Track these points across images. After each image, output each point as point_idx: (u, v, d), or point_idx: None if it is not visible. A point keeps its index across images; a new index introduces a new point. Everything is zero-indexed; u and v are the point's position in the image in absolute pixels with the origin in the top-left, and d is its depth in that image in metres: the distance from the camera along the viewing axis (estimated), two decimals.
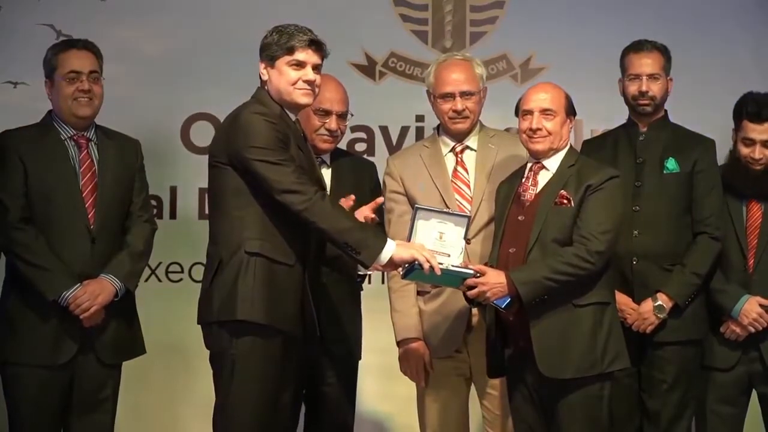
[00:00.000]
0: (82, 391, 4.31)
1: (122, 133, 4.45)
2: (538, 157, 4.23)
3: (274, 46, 3.98)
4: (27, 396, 4.28)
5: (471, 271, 3.95)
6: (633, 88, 4.63)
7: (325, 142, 4.44)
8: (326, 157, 4.49)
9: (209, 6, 5.24)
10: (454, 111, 4.44)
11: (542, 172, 4.24)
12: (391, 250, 3.85)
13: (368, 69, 5.62)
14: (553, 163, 4.21)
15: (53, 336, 4.25)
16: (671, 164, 4.60)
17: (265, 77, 4.00)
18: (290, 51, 3.95)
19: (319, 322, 3.98)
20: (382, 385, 5.30)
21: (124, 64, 4.91)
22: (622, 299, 4.46)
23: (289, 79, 3.96)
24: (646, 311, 4.48)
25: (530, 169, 4.25)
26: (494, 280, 3.97)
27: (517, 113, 4.33)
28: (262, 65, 4.00)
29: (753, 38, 5.57)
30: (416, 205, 4.04)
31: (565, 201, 4.13)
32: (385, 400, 5.42)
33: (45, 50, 4.50)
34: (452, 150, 4.50)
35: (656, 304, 4.49)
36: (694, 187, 4.58)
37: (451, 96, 4.44)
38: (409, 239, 3.94)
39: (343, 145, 5.27)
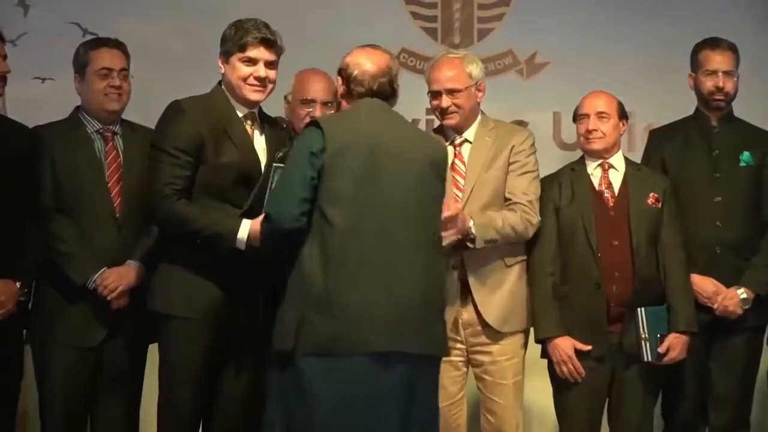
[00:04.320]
0: (110, 374, 4.32)
1: (147, 127, 4.37)
2: (601, 156, 4.48)
3: (228, 43, 4.00)
4: (58, 378, 4.29)
5: None
6: (709, 84, 4.68)
7: None
8: None
9: (228, 5, 5.23)
10: (441, 108, 4.41)
11: (612, 171, 4.50)
12: (246, 227, 3.85)
13: None
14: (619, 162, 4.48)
15: (83, 320, 4.27)
16: (746, 158, 4.67)
17: (222, 72, 4.02)
18: (242, 48, 3.97)
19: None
20: None
21: (150, 62, 4.92)
22: (706, 284, 4.55)
23: (240, 74, 3.98)
24: (733, 301, 4.57)
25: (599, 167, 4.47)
26: None
27: (575, 119, 4.55)
28: (220, 59, 4.02)
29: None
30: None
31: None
32: None
33: (71, 48, 4.53)
34: (452, 143, 4.46)
35: (742, 297, 4.57)
36: (763, 180, 4.66)
37: (438, 94, 4.41)
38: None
39: None
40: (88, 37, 4.86)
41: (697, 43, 4.77)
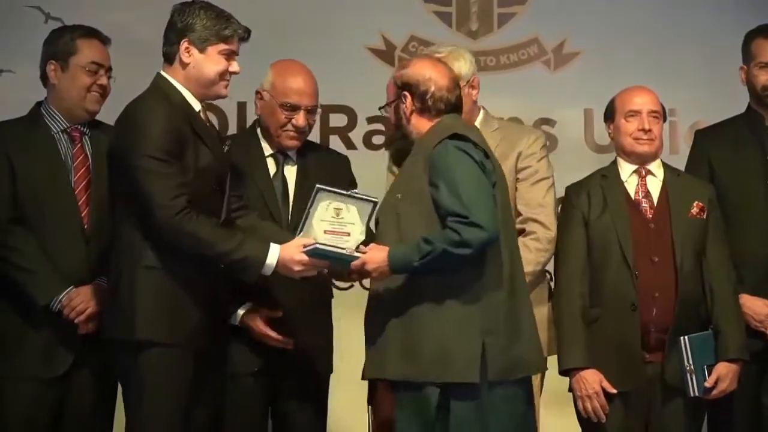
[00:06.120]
0: (75, 411, 4.27)
1: None
2: (644, 161, 4.49)
3: (204, 30, 4.03)
4: (16, 414, 4.23)
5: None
6: (763, 78, 4.70)
7: (291, 139, 4.44)
8: (292, 153, 4.48)
9: None
10: None
11: (650, 178, 4.51)
12: (275, 253, 3.89)
13: (386, 54, 5.71)
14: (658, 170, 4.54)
15: (45, 347, 4.20)
16: None
17: (186, 59, 4.02)
18: (226, 39, 4.04)
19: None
20: (355, 395, 5.12)
21: (116, 50, 4.77)
22: (759, 305, 4.55)
23: (219, 69, 4.04)
24: None
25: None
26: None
27: (610, 117, 4.53)
28: (186, 45, 4.01)
29: None
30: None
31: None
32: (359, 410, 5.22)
33: (32, 35, 4.53)
34: None
35: None
36: None
37: None
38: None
39: (358, 138, 5.53)
40: (52, 23, 4.97)
41: (750, 32, 4.73)
